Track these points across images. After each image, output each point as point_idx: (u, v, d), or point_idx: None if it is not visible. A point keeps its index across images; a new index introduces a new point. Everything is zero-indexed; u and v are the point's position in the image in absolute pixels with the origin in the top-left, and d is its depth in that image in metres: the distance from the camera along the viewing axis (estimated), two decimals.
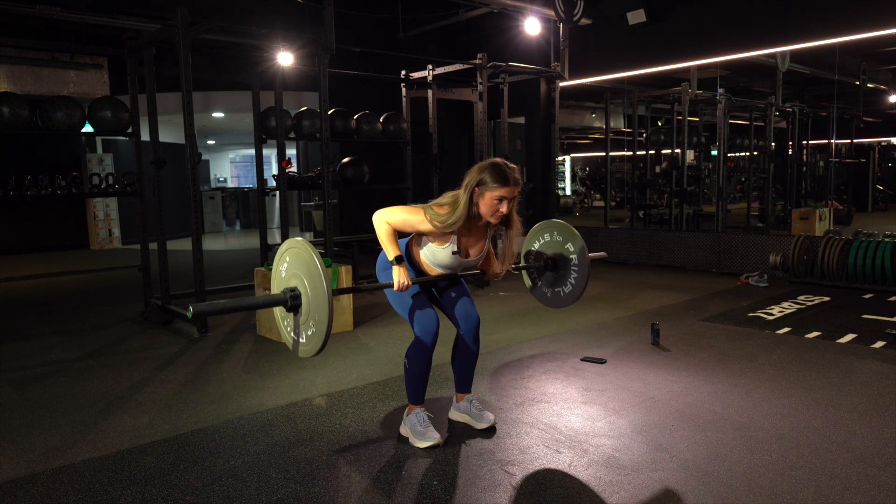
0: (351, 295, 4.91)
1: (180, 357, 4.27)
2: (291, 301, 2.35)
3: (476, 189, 2.59)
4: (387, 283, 2.66)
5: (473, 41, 9.27)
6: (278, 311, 2.50)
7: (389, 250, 2.64)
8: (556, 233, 3.19)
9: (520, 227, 2.76)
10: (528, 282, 3.38)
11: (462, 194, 2.60)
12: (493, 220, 2.64)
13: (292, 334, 2.43)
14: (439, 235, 2.67)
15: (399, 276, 2.60)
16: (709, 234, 7.60)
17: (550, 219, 3.29)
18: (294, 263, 2.40)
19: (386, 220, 2.64)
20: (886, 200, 11.18)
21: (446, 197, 2.68)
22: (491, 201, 2.57)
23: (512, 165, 2.63)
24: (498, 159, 2.65)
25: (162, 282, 5.34)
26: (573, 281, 3.15)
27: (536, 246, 3.29)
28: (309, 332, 2.35)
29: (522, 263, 3.33)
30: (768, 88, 9.29)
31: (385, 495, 2.35)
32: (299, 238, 2.44)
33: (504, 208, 2.59)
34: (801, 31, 6.76)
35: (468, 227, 2.69)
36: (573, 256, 3.13)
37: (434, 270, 2.79)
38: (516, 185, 2.59)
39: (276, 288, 2.52)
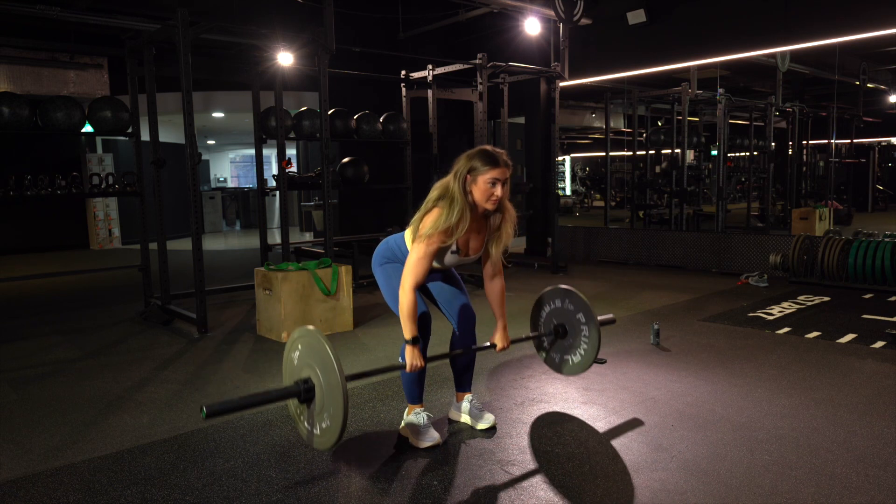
0: (351, 295, 4.91)
1: (180, 357, 4.27)
2: (305, 394, 2.34)
3: (468, 177, 2.56)
4: (400, 364, 2.64)
5: (473, 41, 9.27)
6: (292, 402, 2.48)
7: (406, 329, 2.58)
8: (567, 301, 3.18)
9: (513, 212, 2.73)
10: (537, 349, 3.39)
11: (452, 183, 2.55)
12: (489, 206, 2.58)
13: (307, 425, 2.41)
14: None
15: (412, 357, 2.59)
16: (709, 234, 7.60)
17: (561, 286, 3.25)
18: (307, 353, 2.38)
19: (411, 286, 2.55)
20: (886, 200, 11.17)
21: (432, 195, 2.61)
22: (484, 185, 2.54)
23: (499, 150, 2.60)
24: (485, 145, 2.63)
25: (162, 282, 5.35)
26: (582, 352, 3.15)
27: (546, 311, 3.28)
28: (323, 425, 2.32)
29: (532, 332, 3.33)
30: (768, 88, 9.28)
31: (385, 495, 2.35)
32: (311, 327, 2.39)
33: (499, 191, 2.55)
34: (801, 31, 6.76)
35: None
36: (584, 328, 3.12)
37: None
38: (507, 166, 2.56)
39: (288, 375, 2.51)
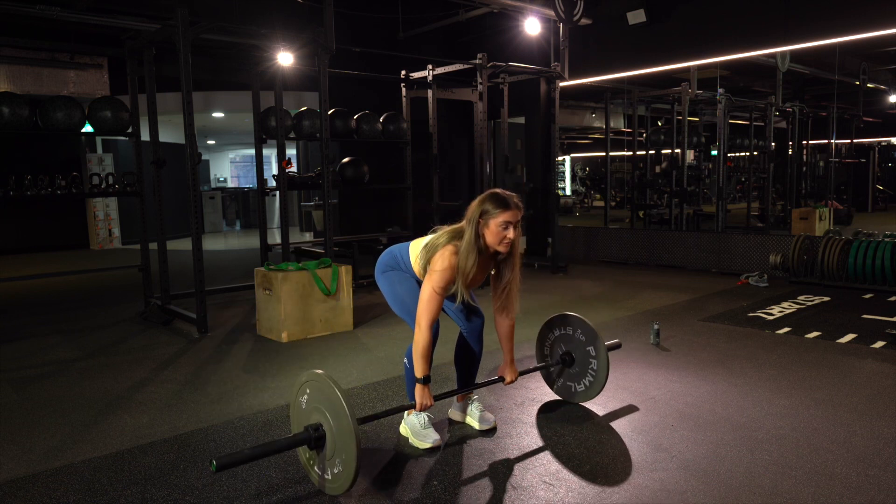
0: (351, 294, 4.91)
1: (180, 357, 4.27)
2: (315, 441, 2.32)
3: (480, 220, 2.56)
4: (410, 405, 2.64)
5: (473, 41, 9.27)
6: (302, 450, 2.45)
7: (419, 367, 2.58)
8: (579, 331, 3.16)
9: (520, 256, 2.72)
10: (545, 378, 3.39)
11: (466, 228, 2.56)
12: (501, 249, 2.58)
13: (317, 471, 2.38)
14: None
15: (422, 397, 2.59)
16: (709, 234, 7.60)
17: (567, 313, 3.25)
18: (315, 397, 2.35)
19: (427, 325, 2.55)
20: (886, 200, 11.17)
21: (441, 237, 2.61)
22: (496, 228, 2.54)
23: (510, 193, 2.61)
24: (496, 189, 2.64)
25: (162, 282, 5.35)
26: (587, 383, 3.15)
27: (556, 334, 3.27)
28: (335, 471, 2.28)
29: (539, 363, 3.33)
30: (768, 88, 9.28)
31: (385, 495, 2.35)
32: (319, 371, 2.36)
33: (511, 233, 2.56)
34: (801, 31, 6.76)
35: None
36: (593, 361, 3.11)
37: None
38: (518, 209, 2.57)
39: (296, 420, 2.48)
